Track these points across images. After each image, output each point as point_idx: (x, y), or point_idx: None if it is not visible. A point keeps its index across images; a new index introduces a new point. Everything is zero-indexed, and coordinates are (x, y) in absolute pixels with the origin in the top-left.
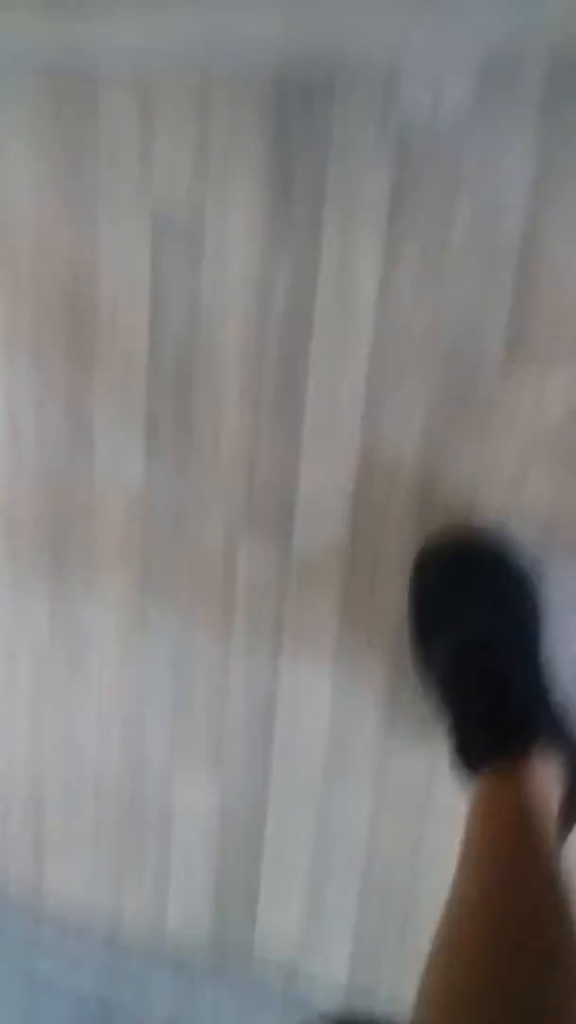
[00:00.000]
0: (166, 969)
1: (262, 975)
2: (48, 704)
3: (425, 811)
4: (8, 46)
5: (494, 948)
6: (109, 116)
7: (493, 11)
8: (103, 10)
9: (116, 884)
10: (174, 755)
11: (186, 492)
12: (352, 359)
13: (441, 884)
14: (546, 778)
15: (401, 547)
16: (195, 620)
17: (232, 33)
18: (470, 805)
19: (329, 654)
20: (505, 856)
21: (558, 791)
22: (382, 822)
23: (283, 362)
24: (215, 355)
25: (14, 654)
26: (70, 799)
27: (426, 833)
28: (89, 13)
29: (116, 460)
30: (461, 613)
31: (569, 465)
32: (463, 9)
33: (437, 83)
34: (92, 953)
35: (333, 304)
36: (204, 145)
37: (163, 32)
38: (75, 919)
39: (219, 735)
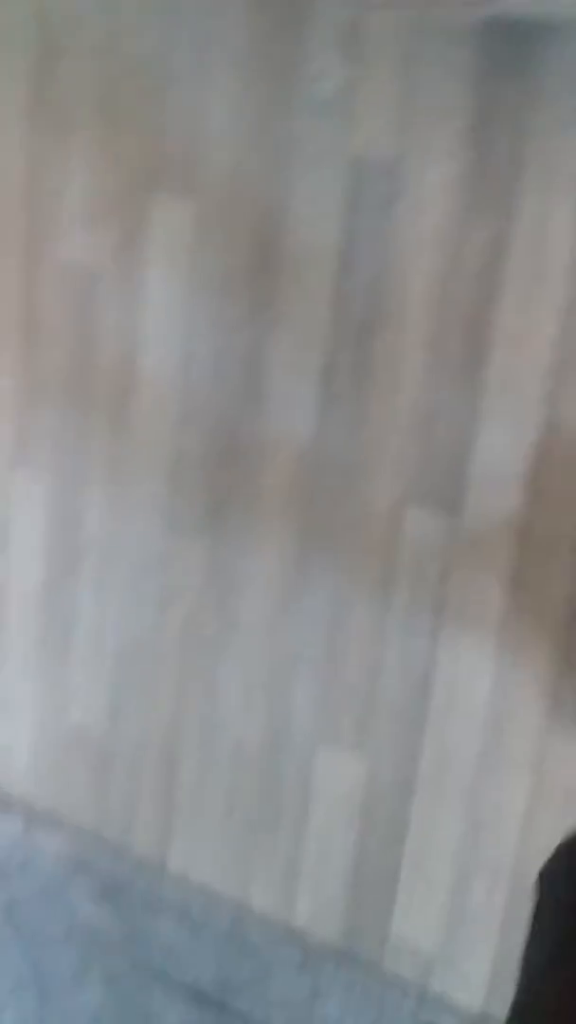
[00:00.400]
0: (293, 950)
1: (394, 973)
2: (194, 656)
3: None
4: None
5: None
6: (317, 54)
7: None
8: None
9: (245, 856)
10: (319, 725)
11: (357, 448)
12: (541, 327)
13: None
14: None
15: None
16: (354, 584)
17: None
18: None
19: (493, 635)
20: None
21: None
22: (538, 819)
23: (469, 321)
24: (400, 308)
25: (166, 600)
26: (206, 760)
27: None
28: None
29: (288, 407)
30: None
31: None
32: None
33: None
34: (216, 925)
35: (526, 268)
36: (408, 95)
37: None
38: (199, 887)
39: (369, 708)
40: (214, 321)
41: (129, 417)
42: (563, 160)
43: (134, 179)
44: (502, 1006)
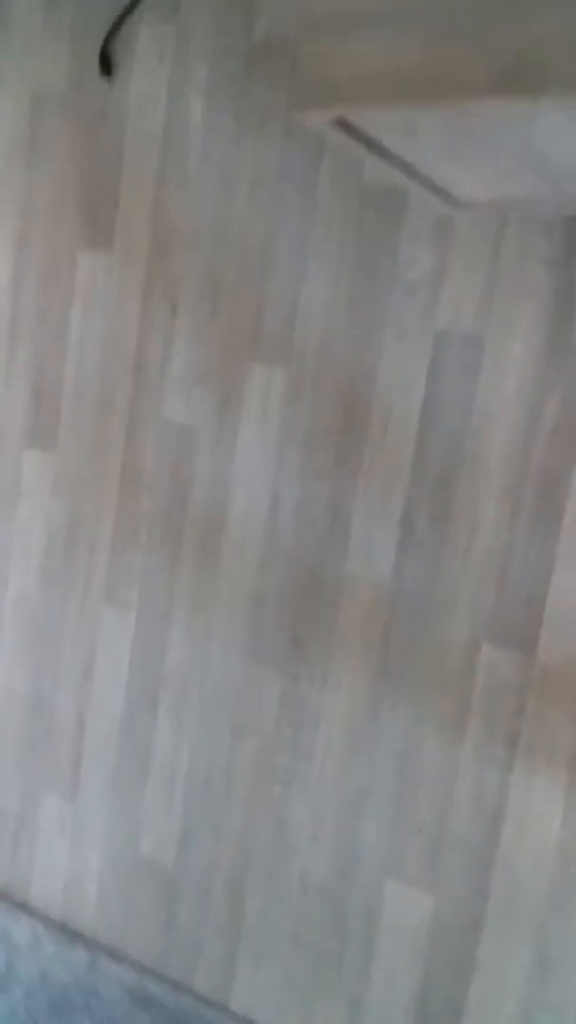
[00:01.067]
0: None
1: None
2: (265, 787)
3: None
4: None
5: None
6: (408, 244)
7: None
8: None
9: (309, 993)
10: (388, 859)
11: (434, 587)
12: None
13: None
14: None
15: None
16: (427, 719)
17: (539, 194)
18: None
19: (565, 774)
20: None
21: None
22: None
23: (545, 474)
24: (479, 461)
25: (240, 731)
26: (272, 894)
27: None
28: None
29: (369, 550)
30: None
31: None
32: None
33: None
34: None
35: None
36: (492, 277)
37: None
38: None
39: (439, 843)
40: (301, 471)
41: (216, 555)
42: None
43: (233, 350)
44: None
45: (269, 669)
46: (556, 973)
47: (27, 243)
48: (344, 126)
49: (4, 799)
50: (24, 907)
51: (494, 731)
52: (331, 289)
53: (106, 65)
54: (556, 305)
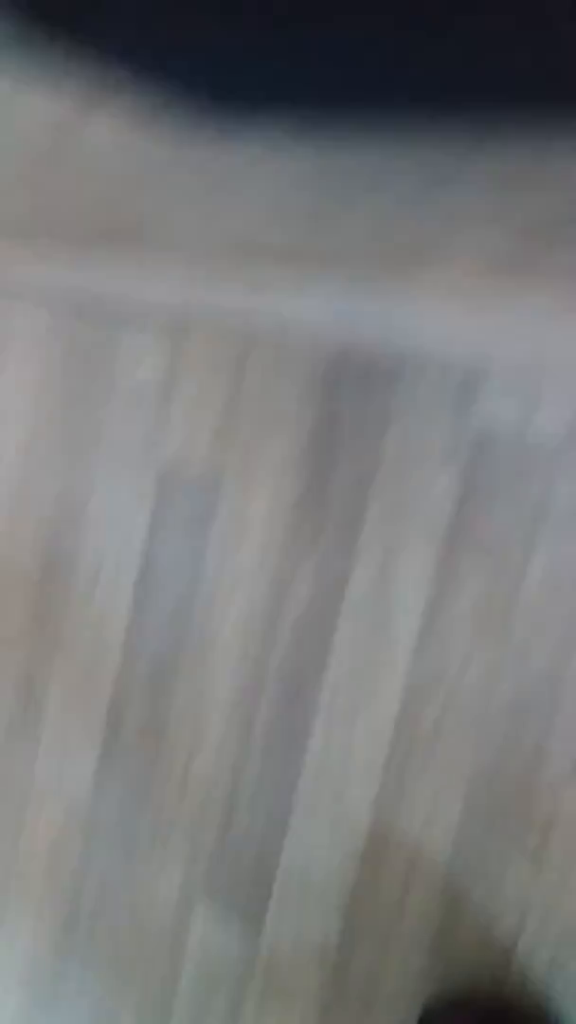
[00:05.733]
0: None
1: None
2: None
3: None
4: (34, 281)
5: None
6: (129, 356)
7: None
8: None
9: None
10: None
11: (140, 819)
12: (375, 710)
13: None
14: None
15: (405, 979)
16: (124, 996)
17: (289, 316)
18: None
19: None
20: None
21: None
22: None
23: (288, 686)
24: (206, 654)
25: None
26: None
27: None
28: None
29: (63, 755)
30: None
31: None
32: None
33: (528, 402)
34: None
35: (360, 632)
36: (234, 407)
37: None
38: None
39: None
40: None
41: None
42: (416, 505)
43: None
44: None
45: None
46: None
47: None
48: None
49: None
50: None
51: (206, 1022)
52: (37, 390)
53: None
54: (315, 450)
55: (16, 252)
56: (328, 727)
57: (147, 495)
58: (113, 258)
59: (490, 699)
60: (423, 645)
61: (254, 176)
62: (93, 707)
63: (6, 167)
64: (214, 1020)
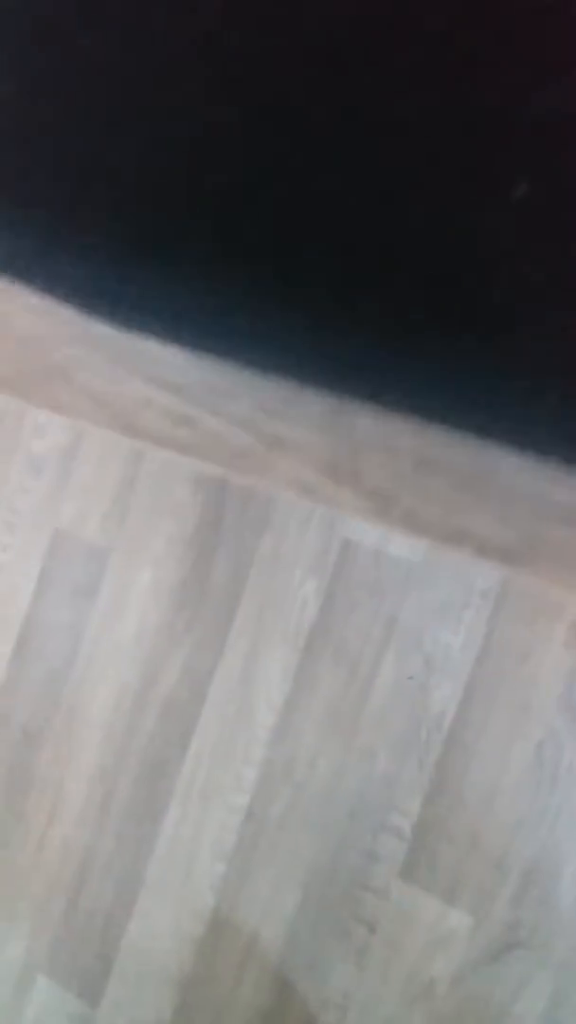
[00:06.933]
0: None
1: None
2: None
3: None
4: None
5: None
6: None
7: None
8: None
9: None
10: None
11: None
12: (228, 797)
13: None
14: None
15: None
16: None
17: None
18: None
19: None
20: None
21: None
22: None
23: (151, 761)
24: (76, 716)
25: None
26: None
27: None
28: None
29: None
30: None
31: None
32: None
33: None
34: None
35: (223, 720)
36: (130, 484)
37: None
38: None
39: None
40: None
41: None
42: (284, 607)
43: None
44: None
45: None
46: None
47: None
48: None
49: None
50: None
51: None
52: None
53: None
54: (200, 541)
55: None
56: (183, 808)
57: (38, 556)
58: None
59: (332, 798)
60: (277, 739)
61: None
62: None
63: None
64: None
